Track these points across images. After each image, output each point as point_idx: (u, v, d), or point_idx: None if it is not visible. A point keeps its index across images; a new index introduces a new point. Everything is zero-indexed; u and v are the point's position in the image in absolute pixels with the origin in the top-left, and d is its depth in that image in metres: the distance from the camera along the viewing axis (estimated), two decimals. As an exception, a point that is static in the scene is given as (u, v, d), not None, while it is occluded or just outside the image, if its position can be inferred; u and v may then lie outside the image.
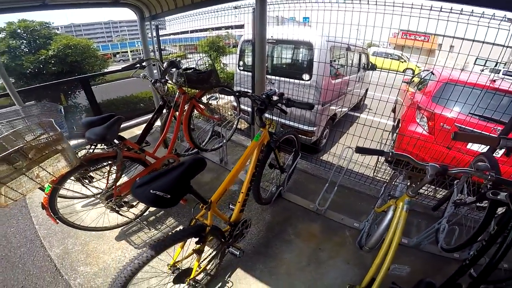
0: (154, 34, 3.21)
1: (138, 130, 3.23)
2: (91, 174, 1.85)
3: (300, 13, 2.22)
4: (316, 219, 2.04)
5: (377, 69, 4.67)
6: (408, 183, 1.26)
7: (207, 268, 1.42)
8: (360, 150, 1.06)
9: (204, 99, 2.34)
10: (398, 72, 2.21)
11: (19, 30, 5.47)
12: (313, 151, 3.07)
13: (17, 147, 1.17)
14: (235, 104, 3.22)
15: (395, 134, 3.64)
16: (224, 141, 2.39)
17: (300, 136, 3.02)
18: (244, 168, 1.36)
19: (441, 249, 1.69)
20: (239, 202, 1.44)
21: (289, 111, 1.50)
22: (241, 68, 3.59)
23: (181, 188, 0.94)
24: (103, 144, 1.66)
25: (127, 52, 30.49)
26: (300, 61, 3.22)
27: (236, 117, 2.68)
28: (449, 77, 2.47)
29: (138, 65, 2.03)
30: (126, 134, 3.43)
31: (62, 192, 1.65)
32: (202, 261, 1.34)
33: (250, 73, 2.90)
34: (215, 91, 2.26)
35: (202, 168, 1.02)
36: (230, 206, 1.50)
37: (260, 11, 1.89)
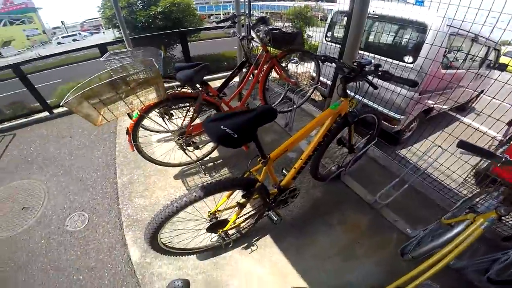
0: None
1: (218, 83, 3.50)
2: (172, 112, 2.12)
3: None
4: (367, 212, 1.85)
5: (506, 70, 3.58)
6: (502, 200, 0.99)
7: (241, 225, 1.46)
8: (464, 145, 0.86)
9: (284, 63, 2.30)
10: None
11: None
12: (392, 141, 2.71)
13: (122, 75, 1.39)
14: (313, 74, 3.05)
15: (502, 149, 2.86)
16: (294, 106, 2.33)
17: (383, 122, 2.70)
18: (308, 135, 1.28)
19: (488, 279, 1.38)
20: (294, 168, 1.36)
21: (377, 92, 1.29)
22: (329, 39, 3.34)
23: (249, 131, 0.94)
24: (188, 86, 1.83)
25: (220, 14, 32.52)
26: (404, 41, 2.77)
27: (313, 86, 2.56)
28: None
29: (230, 20, 2.09)
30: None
31: (145, 122, 1.86)
32: (240, 217, 1.37)
33: (337, 45, 2.66)
34: (297, 55, 2.18)
35: (273, 118, 1.00)
36: (283, 171, 1.45)
37: None
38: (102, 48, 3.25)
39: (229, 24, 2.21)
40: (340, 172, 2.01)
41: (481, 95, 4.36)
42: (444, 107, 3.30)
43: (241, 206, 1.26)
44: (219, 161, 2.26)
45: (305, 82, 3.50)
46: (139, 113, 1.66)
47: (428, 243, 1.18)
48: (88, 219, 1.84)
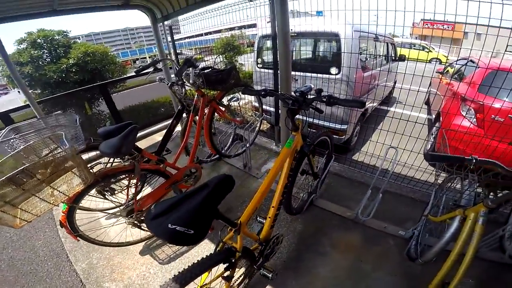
0: (169, 37, 3.11)
1: (159, 137, 3.17)
2: (112, 186, 1.78)
3: (314, 6, 1.99)
4: (353, 227, 1.82)
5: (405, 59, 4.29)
6: (484, 191, 1.03)
7: (236, 290, 1.27)
8: (434, 158, 0.84)
9: (225, 101, 2.18)
10: (423, 61, 1.95)
11: (39, 40, 5.59)
12: (342, 150, 2.82)
13: (20, 168, 1.08)
14: (256, 104, 3.03)
15: (434, 129, 3.31)
16: (248, 145, 2.21)
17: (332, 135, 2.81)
18: (272, 184, 1.18)
19: (510, 257, 1.42)
20: (269, 217, 1.27)
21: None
22: (260, 65, 3.39)
23: (207, 218, 0.77)
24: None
25: (145, 58, 31.51)
26: (326, 54, 2.96)
27: (259, 119, 2.49)
28: (499, 64, 2.11)
29: (152, 67, 1.89)
30: (147, 141, 3.41)
31: (85, 203, 1.57)
32: (232, 285, 1.19)
33: (270, 71, 2.70)
34: (236, 91, 2.09)
35: (231, 188, 0.85)
36: (258, 218, 1.34)
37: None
38: (5, 118, 2.63)
39: (151, 72, 1.99)
40: (312, 198, 1.95)
41: (395, 85, 5.14)
42: (374, 104, 3.67)
43: (227, 278, 1.08)
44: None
45: (249, 114, 3.45)
46: (67, 204, 1.35)
47: (435, 243, 1.17)
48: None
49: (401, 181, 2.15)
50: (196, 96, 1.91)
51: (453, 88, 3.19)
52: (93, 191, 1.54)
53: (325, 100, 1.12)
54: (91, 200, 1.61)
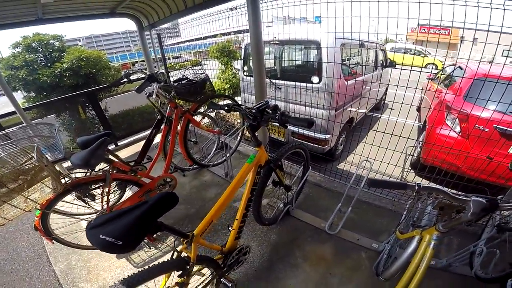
0: (156, 43, 3.13)
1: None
2: (92, 192, 1.78)
3: (312, 12, 1.99)
4: (327, 239, 1.82)
5: (396, 65, 4.27)
6: (439, 213, 1.02)
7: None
8: (374, 183, 0.84)
9: (204, 110, 2.18)
10: (417, 68, 1.91)
11: (34, 44, 5.65)
12: (327, 160, 2.80)
13: None
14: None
15: (421, 137, 3.29)
16: (228, 154, 2.21)
17: (313, 144, 2.79)
18: (232, 198, 1.20)
19: (476, 276, 1.41)
20: (233, 229, 1.31)
21: (294, 115, 1.25)
22: (246, 73, 3.39)
23: (137, 232, 0.83)
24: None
25: (144, 61, 31.55)
26: (307, 62, 2.94)
27: (240, 128, 2.49)
28: (487, 71, 2.03)
29: (126, 79, 1.90)
30: (136, 148, 3.43)
31: (64, 208, 1.64)
32: None
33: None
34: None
35: (172, 205, 0.91)
36: (229, 228, 1.35)
37: (252, 8, 1.69)
38: None
39: (126, 82, 2.00)
40: (288, 209, 1.94)
41: (387, 91, 5.12)
42: (361, 111, 3.66)
43: (181, 285, 1.09)
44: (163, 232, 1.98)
45: (238, 120, 3.36)
46: (40, 210, 1.39)
47: (395, 261, 1.16)
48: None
49: (380, 192, 2.14)
50: (169, 109, 1.92)
51: (440, 96, 3.18)
52: (71, 198, 1.59)
53: (277, 117, 1.12)
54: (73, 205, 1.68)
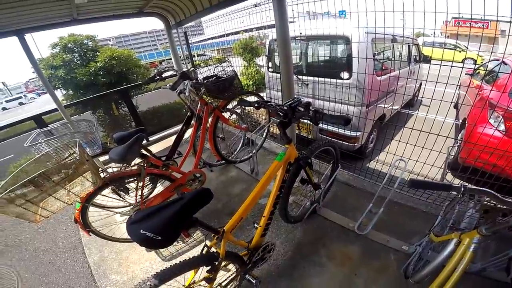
0: (183, 41, 3.22)
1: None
2: (127, 186, 1.90)
3: (336, 6, 1.93)
4: (355, 240, 1.76)
5: (431, 60, 3.99)
6: (482, 216, 0.95)
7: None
8: (416, 184, 0.81)
9: (232, 107, 2.21)
10: (455, 64, 1.74)
11: (69, 45, 6.03)
12: (357, 159, 2.71)
13: (37, 173, 1.22)
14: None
15: (459, 136, 3.06)
16: (254, 151, 2.22)
17: (342, 142, 2.71)
18: (262, 194, 1.20)
19: None
20: (260, 226, 1.31)
21: (328, 112, 1.22)
22: (271, 69, 3.37)
23: (176, 227, 0.86)
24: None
25: (171, 59, 32.61)
26: (336, 58, 2.85)
27: (266, 124, 2.49)
28: None
29: (158, 77, 1.97)
30: (164, 143, 3.58)
31: (100, 201, 1.74)
32: (217, 287, 1.24)
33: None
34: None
35: (207, 201, 0.92)
36: (255, 224, 1.36)
37: (278, 3, 1.67)
38: (39, 120, 2.85)
39: (159, 80, 2.07)
40: (315, 207, 1.91)
41: (421, 87, 4.80)
42: (395, 108, 3.48)
43: (208, 280, 1.13)
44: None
45: (263, 117, 3.31)
46: (80, 203, 1.48)
47: (428, 264, 1.13)
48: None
49: (414, 192, 2.03)
50: (199, 106, 1.96)
51: (481, 93, 2.92)
52: (107, 191, 1.67)
53: (310, 115, 1.10)
54: (108, 199, 1.77)
